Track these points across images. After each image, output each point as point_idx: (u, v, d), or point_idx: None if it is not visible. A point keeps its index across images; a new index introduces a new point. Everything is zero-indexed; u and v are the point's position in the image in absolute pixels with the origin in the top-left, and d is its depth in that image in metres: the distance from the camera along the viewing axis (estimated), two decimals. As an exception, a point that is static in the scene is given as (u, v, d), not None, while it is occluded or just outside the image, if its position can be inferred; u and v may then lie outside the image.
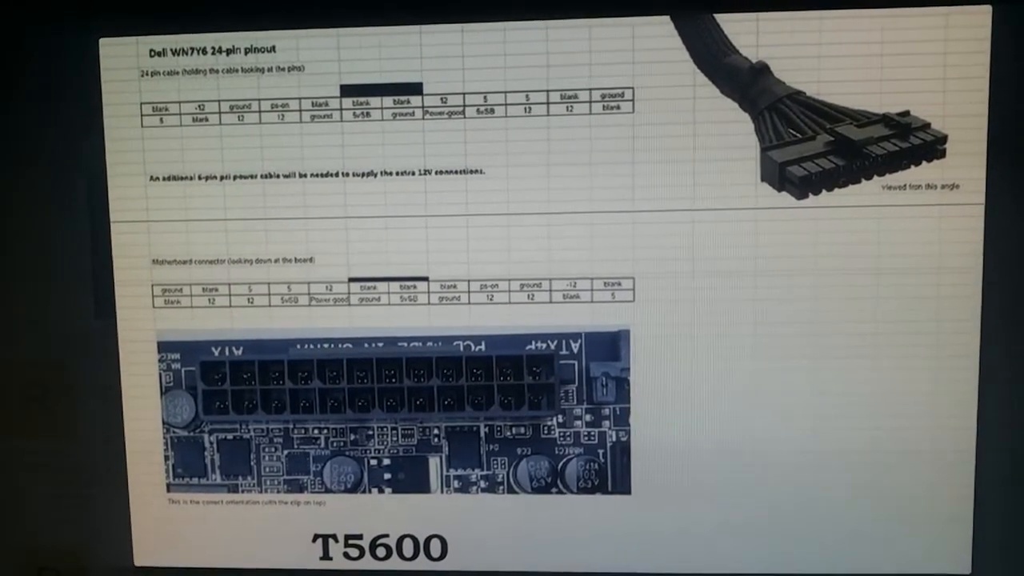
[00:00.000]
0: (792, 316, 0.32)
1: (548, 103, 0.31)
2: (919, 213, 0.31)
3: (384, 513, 0.34)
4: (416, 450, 0.34)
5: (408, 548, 0.34)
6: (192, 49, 0.32)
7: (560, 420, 0.33)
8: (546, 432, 0.33)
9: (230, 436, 0.34)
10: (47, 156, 0.33)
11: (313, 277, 0.33)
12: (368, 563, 0.34)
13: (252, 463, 0.34)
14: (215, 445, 0.34)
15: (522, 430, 0.33)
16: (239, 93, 0.32)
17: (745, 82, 0.31)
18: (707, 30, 0.31)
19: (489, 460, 0.33)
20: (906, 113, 0.31)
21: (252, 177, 0.32)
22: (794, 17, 0.31)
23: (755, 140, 0.31)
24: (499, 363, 0.33)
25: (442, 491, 0.34)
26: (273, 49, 0.32)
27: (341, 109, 0.32)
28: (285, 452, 0.34)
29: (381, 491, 0.34)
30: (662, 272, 0.32)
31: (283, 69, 0.32)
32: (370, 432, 0.34)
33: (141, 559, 0.35)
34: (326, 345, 0.33)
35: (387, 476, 0.34)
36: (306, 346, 0.33)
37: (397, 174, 0.32)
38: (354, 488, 0.34)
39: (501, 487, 0.34)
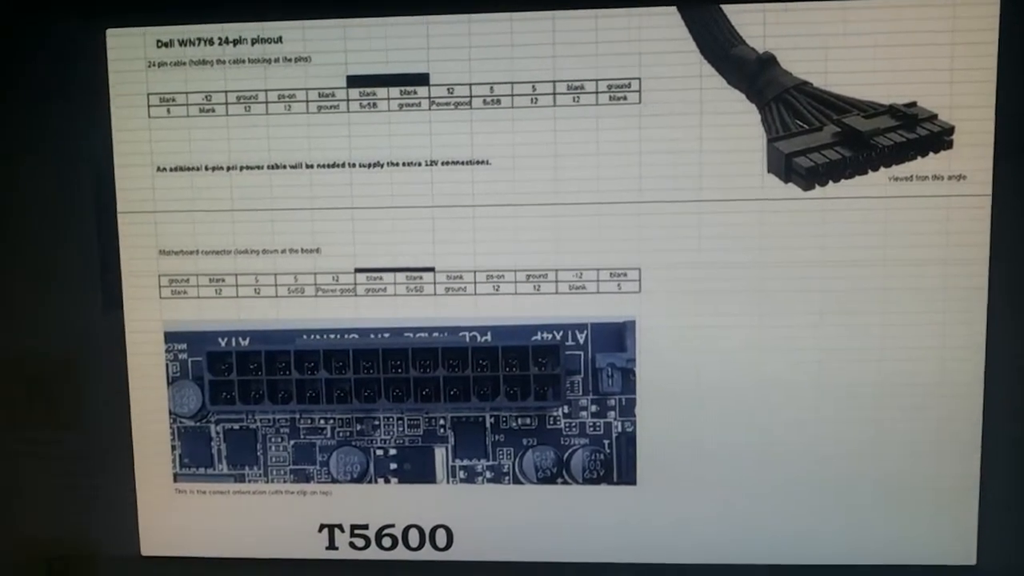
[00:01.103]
0: (798, 307, 0.32)
1: (555, 94, 0.31)
2: (926, 204, 0.31)
3: (390, 503, 0.34)
4: (422, 440, 0.34)
5: (414, 538, 0.34)
6: (199, 40, 0.32)
7: (566, 411, 0.33)
8: (552, 423, 0.33)
9: (237, 426, 0.34)
10: (54, 147, 0.33)
11: (319, 268, 0.33)
12: (374, 553, 0.34)
13: (259, 453, 0.34)
14: (222, 435, 0.34)
15: (528, 421, 0.33)
16: (246, 84, 0.32)
17: (752, 73, 0.31)
18: (714, 20, 0.31)
19: (495, 450, 0.34)
20: (913, 104, 0.31)
21: (259, 168, 0.33)
22: (801, 8, 0.30)
23: (762, 131, 0.31)
24: (505, 354, 0.33)
25: (448, 481, 0.34)
26: (280, 40, 0.32)
27: (348, 100, 0.32)
28: (291, 442, 0.34)
29: (387, 481, 0.34)
30: (668, 263, 0.32)
31: (290, 60, 0.32)
32: (376, 422, 0.34)
33: (148, 548, 0.35)
34: (332, 336, 0.33)
35: (393, 466, 0.34)
36: (312, 337, 0.33)
37: (403, 165, 0.32)
38: (360, 478, 0.34)
39: (507, 477, 0.34)
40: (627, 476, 0.33)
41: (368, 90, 0.32)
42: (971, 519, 0.32)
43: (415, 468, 0.34)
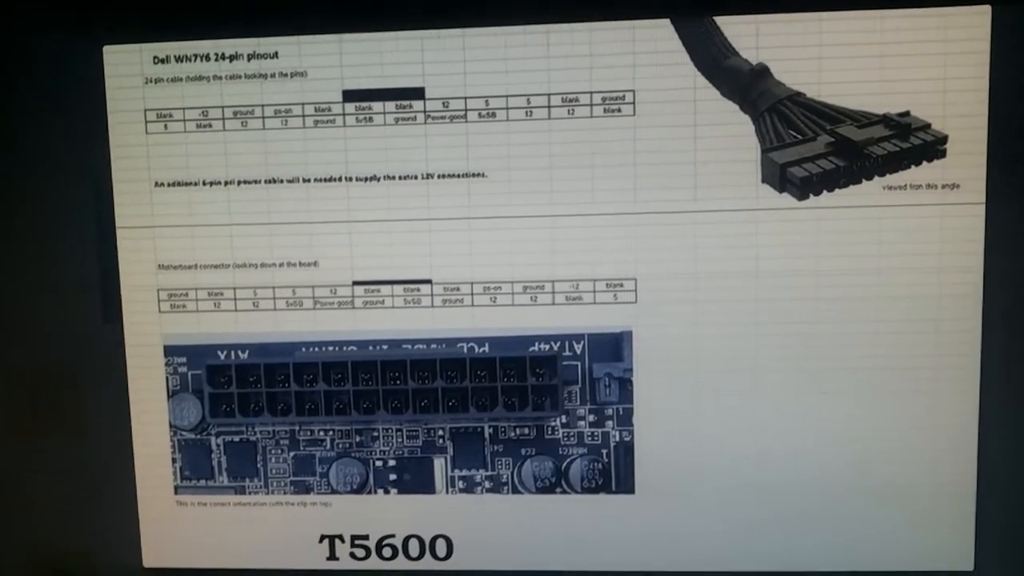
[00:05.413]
0: (793, 316, 0.32)
1: (549, 107, 0.32)
2: (920, 213, 0.31)
3: (390, 513, 0.34)
4: (421, 451, 0.34)
5: (414, 548, 0.34)
6: (195, 56, 0.32)
7: (564, 421, 0.33)
8: (550, 433, 0.33)
9: (237, 438, 0.34)
10: (53, 163, 0.33)
11: (317, 281, 0.33)
12: (375, 563, 0.35)
13: (259, 465, 0.34)
14: (222, 447, 0.34)
15: (526, 431, 0.33)
16: (242, 99, 0.32)
17: (745, 84, 0.31)
18: (707, 33, 0.31)
19: (493, 461, 0.34)
20: (906, 113, 0.31)
21: (256, 182, 0.33)
22: (793, 19, 0.31)
23: (756, 142, 0.31)
24: (503, 364, 0.33)
25: (447, 492, 0.34)
26: (276, 55, 0.32)
27: (344, 114, 0.32)
28: (291, 454, 0.34)
29: (387, 492, 0.34)
30: (664, 273, 0.32)
31: (286, 75, 0.32)
32: (375, 433, 0.34)
33: (150, 560, 0.35)
34: (331, 348, 0.33)
35: (392, 477, 0.34)
36: (311, 349, 0.33)
37: (400, 178, 0.32)
38: (360, 489, 0.34)
39: (506, 487, 0.34)
40: (625, 485, 0.33)
41: (364, 104, 0.32)
42: (968, 524, 0.33)
43: (414, 479, 0.34)
